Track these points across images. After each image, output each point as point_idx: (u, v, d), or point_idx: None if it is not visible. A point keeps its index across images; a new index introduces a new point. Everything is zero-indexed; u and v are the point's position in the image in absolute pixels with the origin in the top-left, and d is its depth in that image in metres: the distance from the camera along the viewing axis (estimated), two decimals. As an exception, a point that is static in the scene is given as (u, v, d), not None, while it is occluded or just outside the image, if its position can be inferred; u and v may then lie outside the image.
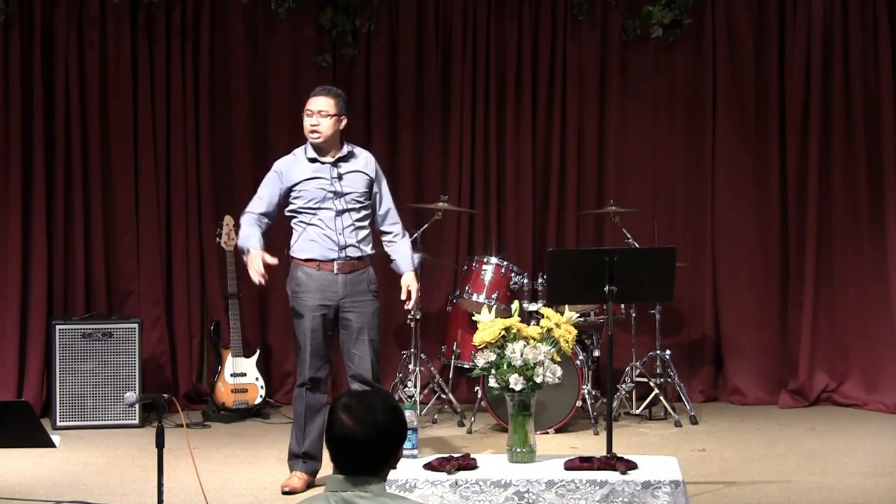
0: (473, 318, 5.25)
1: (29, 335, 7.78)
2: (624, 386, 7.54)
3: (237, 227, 7.69)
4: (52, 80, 7.82)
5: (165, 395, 4.87)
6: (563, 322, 5.08)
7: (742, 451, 6.79)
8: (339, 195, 5.92)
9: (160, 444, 4.49)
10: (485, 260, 7.54)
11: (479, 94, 8.19)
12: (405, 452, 4.96)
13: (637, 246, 7.41)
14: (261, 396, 7.71)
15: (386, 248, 6.16)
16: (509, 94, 8.18)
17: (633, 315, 7.63)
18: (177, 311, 8.03)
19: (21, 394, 7.64)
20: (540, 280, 7.48)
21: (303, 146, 6.05)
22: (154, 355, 7.87)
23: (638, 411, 7.57)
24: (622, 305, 7.45)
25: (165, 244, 8.04)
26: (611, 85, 8.22)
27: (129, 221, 7.97)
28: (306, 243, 5.95)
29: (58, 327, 7.42)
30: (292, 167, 6.00)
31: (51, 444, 4.64)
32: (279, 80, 8.17)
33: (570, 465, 4.86)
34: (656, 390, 7.50)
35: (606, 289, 5.64)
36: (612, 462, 4.85)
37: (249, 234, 5.97)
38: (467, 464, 4.87)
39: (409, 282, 6.07)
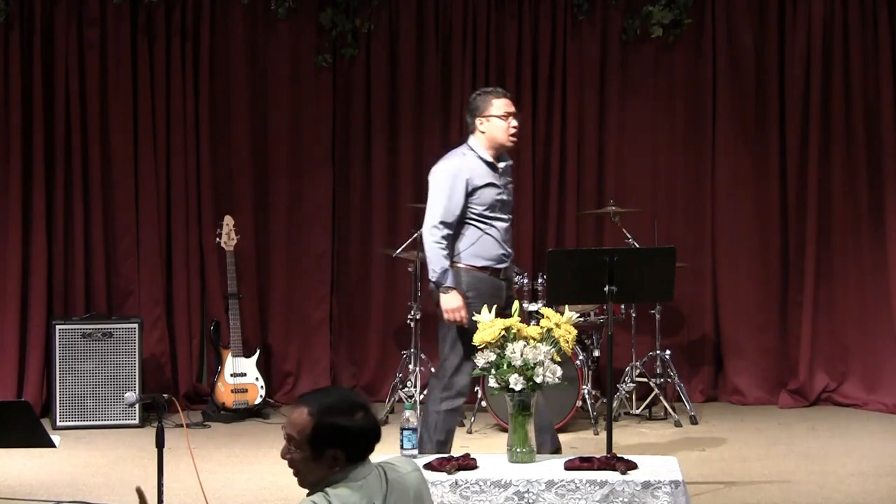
0: (473, 318, 5.24)
1: (29, 335, 7.78)
2: (624, 386, 7.54)
3: (238, 227, 7.76)
4: (52, 80, 7.82)
5: (165, 395, 4.88)
6: (563, 322, 5.07)
7: (742, 451, 6.79)
8: (505, 204, 5.81)
9: (160, 444, 4.48)
10: (485, 260, 7.52)
11: (479, 94, 8.18)
12: (405, 453, 4.97)
13: (637, 246, 7.41)
14: (261, 396, 7.70)
15: None
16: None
17: (633, 315, 7.63)
18: (177, 311, 8.02)
19: (21, 394, 7.64)
20: (540, 280, 7.47)
21: (462, 147, 5.76)
22: (154, 355, 7.87)
23: (638, 411, 7.58)
24: (622, 305, 7.45)
25: (165, 244, 8.03)
26: (611, 85, 8.21)
27: (129, 221, 7.96)
28: (483, 249, 5.76)
29: (58, 327, 7.42)
30: (474, 171, 5.68)
31: (51, 444, 4.64)
32: (279, 80, 8.16)
33: (570, 465, 4.85)
34: (656, 390, 7.50)
35: (606, 289, 5.63)
36: (612, 462, 4.84)
37: (447, 266, 5.65)
38: (467, 464, 4.86)
39: None
